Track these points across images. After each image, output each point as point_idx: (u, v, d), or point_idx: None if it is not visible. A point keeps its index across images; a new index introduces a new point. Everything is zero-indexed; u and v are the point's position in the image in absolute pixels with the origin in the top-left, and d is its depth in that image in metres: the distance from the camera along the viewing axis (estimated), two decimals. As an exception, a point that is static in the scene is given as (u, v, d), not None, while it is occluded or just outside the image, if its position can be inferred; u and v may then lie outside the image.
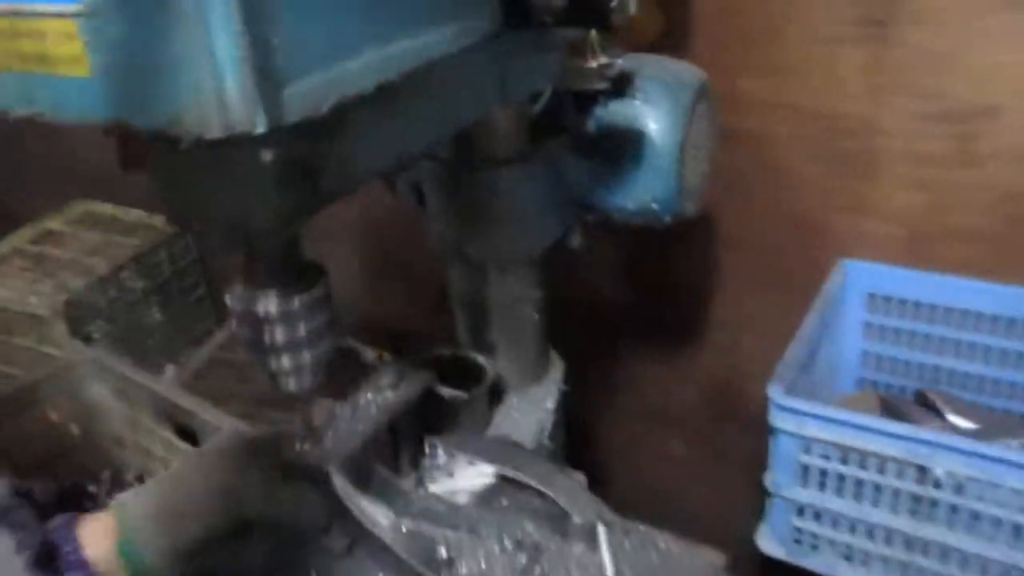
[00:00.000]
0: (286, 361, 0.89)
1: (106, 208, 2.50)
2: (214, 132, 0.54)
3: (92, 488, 1.65)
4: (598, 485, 2.24)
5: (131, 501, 0.89)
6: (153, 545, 0.86)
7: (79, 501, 1.61)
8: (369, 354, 1.20)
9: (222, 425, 1.38)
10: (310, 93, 0.60)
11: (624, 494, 2.25)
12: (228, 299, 0.88)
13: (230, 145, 0.63)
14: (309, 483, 0.96)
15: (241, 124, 0.54)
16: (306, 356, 0.90)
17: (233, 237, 0.82)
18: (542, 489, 1.02)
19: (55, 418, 1.59)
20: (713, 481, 2.09)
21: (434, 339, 1.34)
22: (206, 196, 0.73)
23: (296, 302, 0.87)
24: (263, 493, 0.92)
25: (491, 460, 1.05)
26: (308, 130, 0.73)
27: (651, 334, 2.02)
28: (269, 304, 0.86)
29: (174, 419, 1.52)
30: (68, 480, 1.60)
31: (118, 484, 1.65)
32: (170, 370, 2.15)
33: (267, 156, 0.70)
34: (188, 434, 1.53)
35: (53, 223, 2.42)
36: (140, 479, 1.65)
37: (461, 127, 0.93)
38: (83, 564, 0.87)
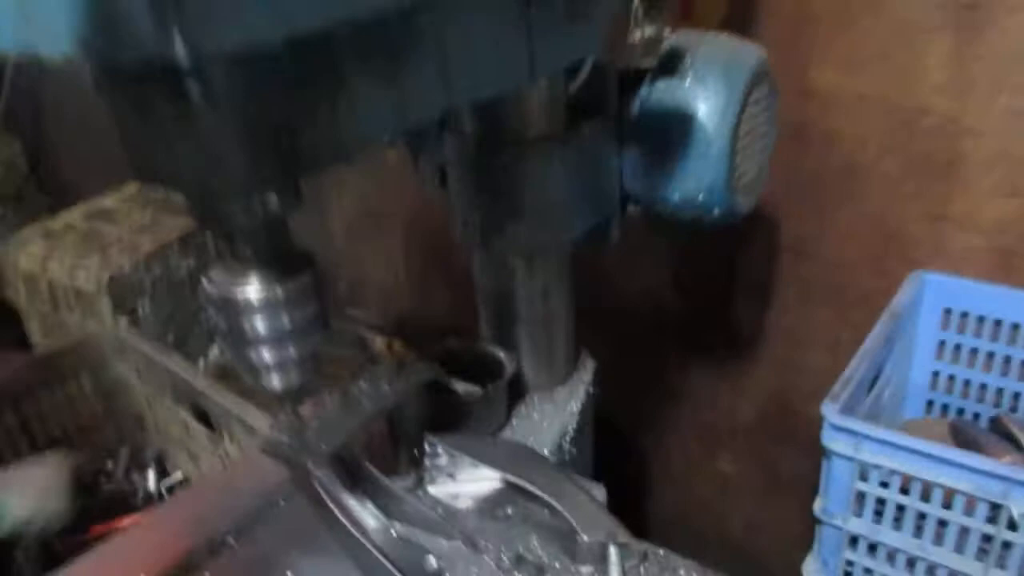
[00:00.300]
0: (268, 355, 0.81)
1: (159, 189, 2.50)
2: (120, 56, 0.46)
3: (109, 465, 1.62)
4: (637, 498, 2.13)
5: None
6: None
7: (95, 478, 1.58)
8: (378, 344, 1.10)
9: (235, 410, 1.32)
10: (254, 16, 0.51)
11: (665, 510, 2.14)
12: (204, 284, 0.81)
13: (155, 81, 0.56)
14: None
15: (151, 48, 0.46)
16: (291, 351, 0.82)
17: (198, 201, 0.75)
18: (550, 501, 0.92)
19: (78, 392, 1.56)
20: (762, 504, 1.96)
21: (478, 336, 1.25)
22: (166, 148, 0.65)
23: (280, 290, 0.79)
24: None
25: (496, 464, 0.95)
26: (284, 80, 0.65)
27: (704, 342, 1.89)
28: (249, 291, 0.79)
29: (192, 402, 1.47)
30: (84, 456, 1.58)
31: (136, 462, 1.62)
32: (214, 351, 2.12)
33: (225, 106, 0.62)
34: (206, 417, 1.48)
35: (108, 201, 2.43)
36: (158, 459, 1.61)
37: (480, 98, 0.84)
38: None
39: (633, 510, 2.07)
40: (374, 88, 0.73)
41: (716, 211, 1.17)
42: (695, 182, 1.14)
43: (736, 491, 1.99)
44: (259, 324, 0.79)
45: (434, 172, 1.17)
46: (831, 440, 1.23)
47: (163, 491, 1.57)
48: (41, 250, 2.24)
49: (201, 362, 1.93)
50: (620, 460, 2.04)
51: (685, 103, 1.12)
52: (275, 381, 0.86)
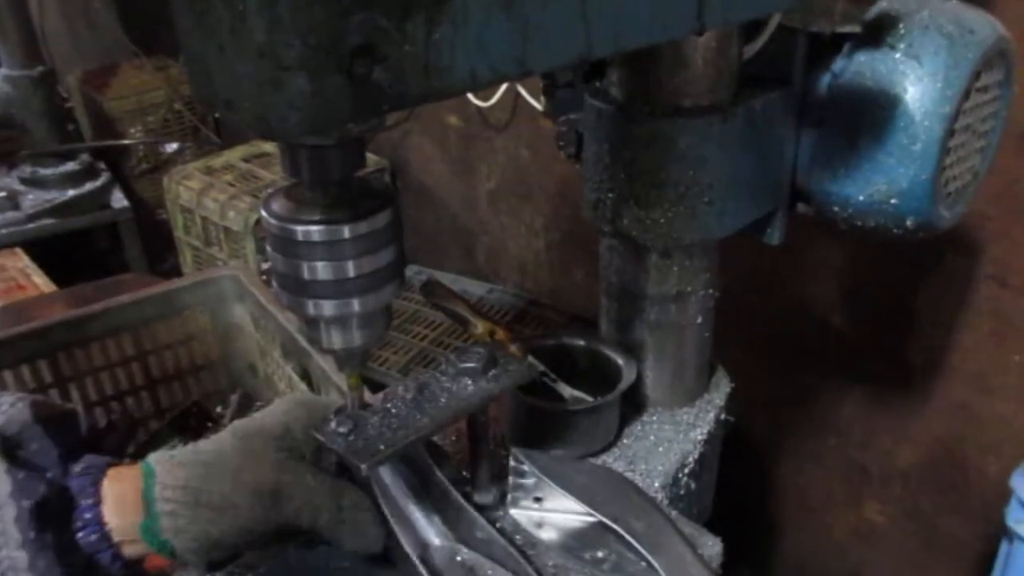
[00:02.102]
0: (328, 308, 0.66)
1: (319, 136, 2.45)
2: None
3: (219, 409, 1.55)
4: (764, 530, 1.87)
5: (161, 474, 0.72)
6: (177, 534, 0.70)
7: (201, 422, 1.51)
8: (479, 329, 0.93)
9: (335, 377, 1.19)
10: None
11: (794, 549, 1.86)
12: (262, 213, 0.66)
13: None
14: (364, 494, 0.74)
15: None
16: (355, 305, 0.66)
17: (256, 127, 0.60)
18: (647, 556, 0.72)
19: (196, 330, 1.49)
20: (911, 563, 1.66)
21: (589, 331, 1.07)
22: (222, 60, 0.50)
23: (347, 230, 0.63)
24: (305, 500, 0.72)
25: (592, 500, 0.76)
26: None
27: (867, 372, 1.61)
28: (311, 227, 0.63)
29: (296, 358, 1.36)
30: (193, 399, 1.52)
31: (244, 408, 1.54)
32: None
33: (285, 8, 0.47)
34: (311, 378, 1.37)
35: (268, 146, 2.40)
36: (262, 408, 1.53)
37: (627, 48, 0.64)
38: (100, 525, 0.71)
39: (757, 544, 1.82)
40: (491, 9, 0.55)
41: (910, 221, 0.91)
42: (888, 182, 0.89)
43: (881, 543, 1.69)
44: (319, 269, 0.64)
45: (571, 139, 0.98)
46: (1017, 520, 0.95)
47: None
48: (199, 185, 2.24)
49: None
50: (750, 484, 1.79)
51: (891, 82, 0.87)
52: (335, 339, 0.70)
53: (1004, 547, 1.03)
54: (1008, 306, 1.36)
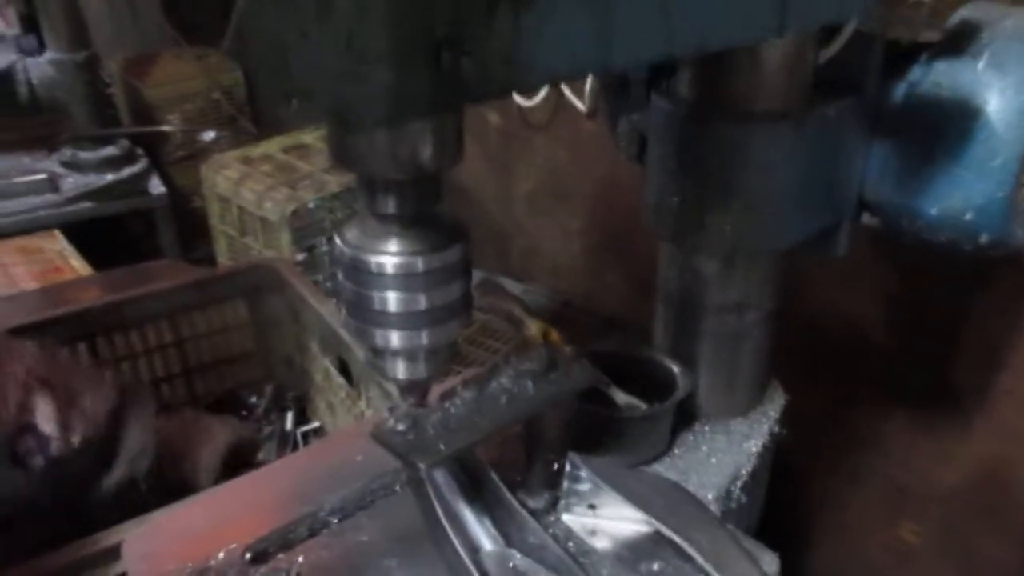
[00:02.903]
0: (396, 340, 0.64)
1: (358, 130, 2.44)
2: None
3: (253, 400, 1.54)
4: (797, 547, 1.83)
5: None
6: None
7: (236, 411, 1.50)
8: (533, 329, 0.91)
9: (376, 372, 1.17)
10: None
11: (827, 569, 1.82)
12: (335, 242, 0.65)
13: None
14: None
15: None
16: (423, 338, 0.64)
17: (334, 123, 0.58)
18: (709, 570, 0.69)
19: (233, 320, 1.48)
20: (950, 590, 1.61)
21: (647, 332, 1.04)
22: (302, 44, 0.49)
23: (421, 262, 0.62)
24: None
25: (649, 508, 0.73)
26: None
27: (911, 391, 1.56)
28: (385, 258, 0.61)
29: (337, 353, 1.34)
30: (227, 387, 1.50)
31: (279, 400, 1.53)
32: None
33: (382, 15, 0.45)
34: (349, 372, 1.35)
35: (306, 137, 2.39)
36: (298, 400, 1.52)
37: (708, 49, 0.61)
38: None
39: (786, 560, 1.77)
40: (576, 5, 0.53)
41: (983, 238, 0.88)
42: (964, 196, 0.86)
43: (916, 565, 1.65)
44: (391, 300, 0.63)
45: (633, 140, 0.95)
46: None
47: (298, 436, 1.47)
48: (237, 174, 2.23)
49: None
50: (782, 499, 1.75)
51: (972, 92, 0.84)
52: (400, 370, 0.69)
53: (1060, 577, 0.99)
54: (1063, 330, 1.31)
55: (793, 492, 1.75)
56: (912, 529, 1.64)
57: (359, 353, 1.24)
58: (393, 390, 0.84)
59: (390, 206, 0.60)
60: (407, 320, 0.63)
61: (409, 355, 0.66)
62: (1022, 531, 1.47)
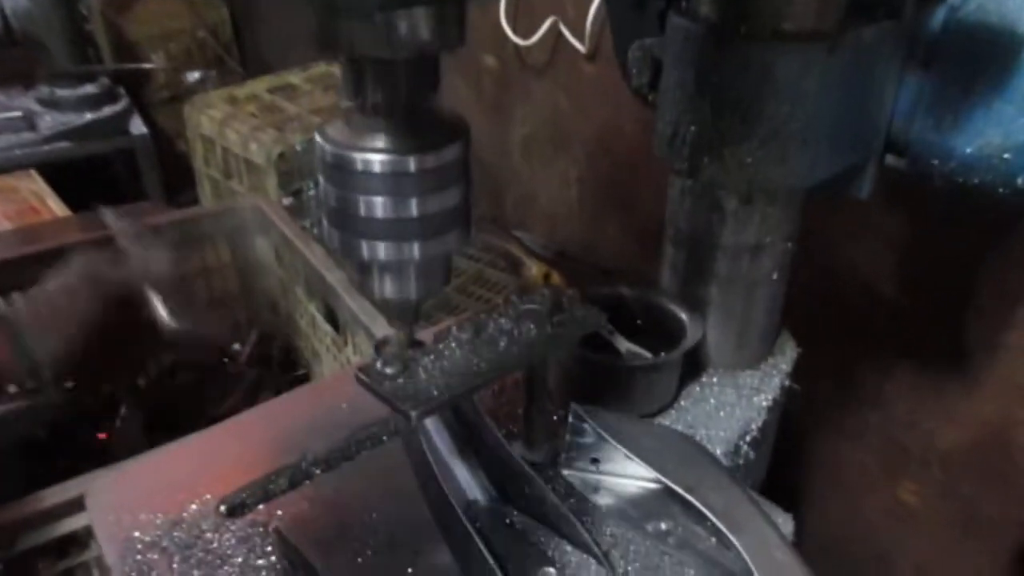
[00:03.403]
0: (384, 252, 0.57)
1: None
2: None
3: (236, 346, 1.47)
4: (793, 505, 1.79)
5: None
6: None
7: (219, 357, 1.43)
8: (534, 271, 0.84)
9: (363, 317, 1.10)
10: None
11: (823, 528, 1.78)
12: (316, 138, 0.57)
13: None
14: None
15: None
16: (415, 251, 0.57)
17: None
18: (724, 531, 0.63)
19: (215, 262, 1.41)
20: (945, 549, 1.57)
21: (647, 282, 0.97)
22: None
23: (412, 163, 0.54)
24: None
25: (658, 464, 0.67)
26: None
27: (917, 348, 1.50)
28: (371, 156, 0.54)
29: (323, 297, 1.27)
30: (210, 334, 1.43)
31: (264, 346, 1.46)
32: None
33: None
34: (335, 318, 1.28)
35: (294, 78, 2.29)
36: (285, 350, 1.45)
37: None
38: None
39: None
40: None
41: (1021, 180, 0.81)
42: (1004, 134, 0.79)
43: (914, 525, 1.61)
44: (378, 205, 0.55)
45: (645, 67, 0.87)
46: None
47: (283, 385, 1.41)
48: (221, 115, 2.13)
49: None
50: (780, 455, 1.70)
51: (1018, 20, 0.76)
52: (388, 288, 0.62)
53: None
54: (1082, 285, 1.25)
55: (791, 450, 1.71)
56: (912, 489, 1.59)
57: (347, 298, 1.16)
58: (372, 325, 0.76)
59: (380, 94, 0.52)
60: (396, 229, 0.56)
61: (398, 271, 0.59)
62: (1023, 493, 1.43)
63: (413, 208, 0.55)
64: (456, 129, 0.56)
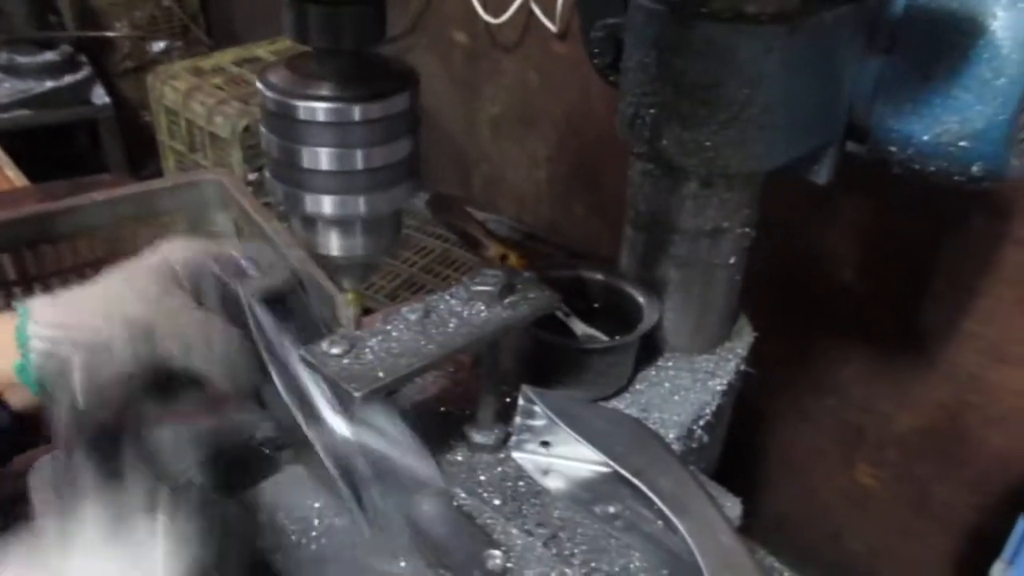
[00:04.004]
0: (329, 206, 0.55)
1: (314, 47, 2.29)
2: None
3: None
4: (748, 486, 1.80)
5: (36, 313, 0.63)
6: (51, 374, 0.61)
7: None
8: (491, 251, 0.82)
9: (323, 286, 1.08)
10: None
11: (777, 508, 1.80)
12: (258, 85, 0.55)
13: None
14: (237, 328, 0.64)
15: None
16: (361, 205, 0.55)
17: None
18: (669, 515, 0.62)
19: (173, 236, 1.37)
20: (897, 529, 1.60)
21: (607, 265, 0.96)
22: None
23: (357, 111, 0.52)
24: (174, 335, 0.62)
25: (608, 448, 0.66)
26: None
27: (874, 332, 1.52)
28: (315, 104, 0.51)
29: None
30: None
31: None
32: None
33: None
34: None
35: (260, 50, 2.24)
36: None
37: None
38: None
39: (743, 503, 1.75)
40: None
41: (976, 167, 0.81)
42: (961, 121, 0.78)
43: (869, 507, 1.63)
44: (322, 156, 0.53)
45: (608, 47, 0.85)
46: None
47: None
48: (186, 86, 2.08)
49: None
50: (738, 437, 1.72)
51: (979, 5, 0.76)
52: (334, 244, 0.59)
53: (1021, 525, 0.95)
54: (1029, 275, 1.26)
55: (746, 432, 1.72)
56: (868, 472, 1.61)
57: (307, 270, 1.14)
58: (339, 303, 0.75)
59: (324, 38, 0.50)
60: (341, 182, 0.54)
61: (344, 226, 0.57)
62: (976, 475, 1.46)
63: (359, 160, 0.53)
64: (405, 78, 0.54)
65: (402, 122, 0.54)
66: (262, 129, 0.55)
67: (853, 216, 1.45)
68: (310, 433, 0.61)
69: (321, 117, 0.51)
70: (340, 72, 0.52)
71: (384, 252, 0.60)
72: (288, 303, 0.66)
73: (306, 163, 0.53)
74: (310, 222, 0.57)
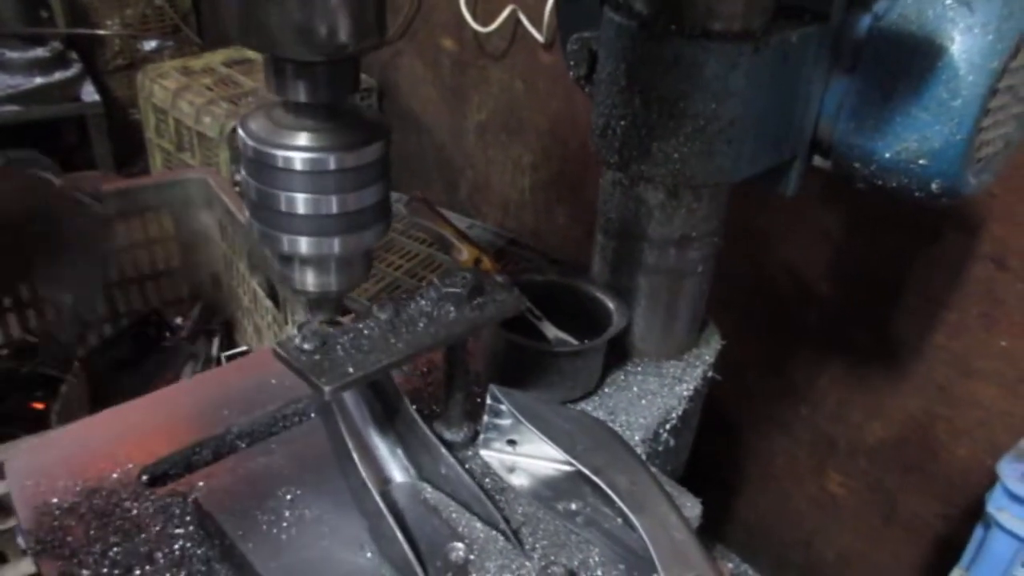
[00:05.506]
0: (305, 247, 0.58)
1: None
2: None
3: (179, 320, 1.46)
4: (722, 493, 1.84)
5: None
6: None
7: (159, 331, 1.42)
8: (464, 254, 0.85)
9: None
10: None
11: (751, 515, 1.83)
12: (239, 131, 0.58)
13: None
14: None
15: None
16: (335, 246, 0.58)
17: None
18: (628, 513, 0.65)
19: (159, 233, 1.39)
20: (866, 537, 1.63)
21: (580, 271, 0.99)
22: None
23: (333, 160, 0.55)
24: None
25: (571, 449, 0.69)
26: None
27: (847, 345, 1.55)
28: (293, 153, 0.55)
29: (264, 273, 1.27)
30: (152, 307, 1.42)
31: (203, 322, 1.45)
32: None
33: None
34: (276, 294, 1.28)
35: (251, 52, 2.25)
36: (225, 324, 1.44)
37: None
38: None
39: (714, 505, 1.78)
40: None
41: (935, 184, 0.84)
42: (920, 140, 0.82)
43: (839, 515, 1.66)
44: (299, 201, 0.57)
45: (583, 59, 0.88)
46: (999, 507, 0.91)
47: (223, 360, 1.40)
48: (175, 85, 2.10)
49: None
50: (712, 445, 1.75)
51: (937, 29, 0.79)
52: (309, 282, 0.63)
53: (979, 532, 0.99)
54: (1003, 288, 1.30)
55: (721, 441, 1.75)
56: (839, 481, 1.65)
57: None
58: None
59: (301, 93, 0.53)
60: (317, 225, 0.57)
61: (319, 265, 0.60)
62: (944, 485, 1.49)
63: (333, 205, 0.57)
64: (376, 128, 0.58)
65: (374, 170, 0.57)
66: (242, 172, 0.58)
67: (826, 228, 1.48)
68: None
69: (298, 166, 0.55)
70: (316, 123, 0.55)
71: (355, 286, 0.64)
72: (380, 390, 0.69)
73: (284, 207, 0.57)
74: (287, 260, 0.61)
